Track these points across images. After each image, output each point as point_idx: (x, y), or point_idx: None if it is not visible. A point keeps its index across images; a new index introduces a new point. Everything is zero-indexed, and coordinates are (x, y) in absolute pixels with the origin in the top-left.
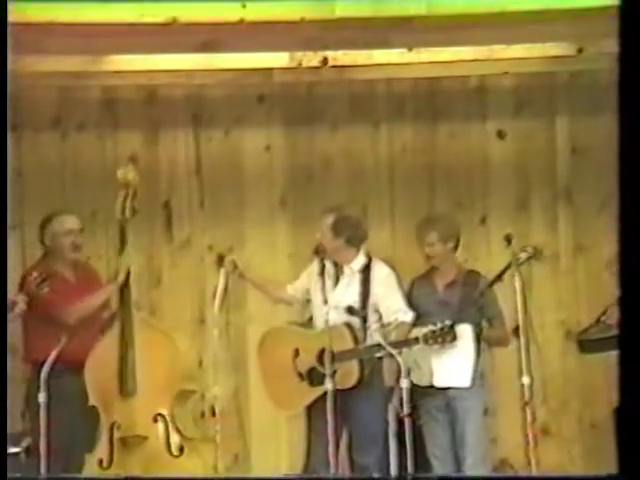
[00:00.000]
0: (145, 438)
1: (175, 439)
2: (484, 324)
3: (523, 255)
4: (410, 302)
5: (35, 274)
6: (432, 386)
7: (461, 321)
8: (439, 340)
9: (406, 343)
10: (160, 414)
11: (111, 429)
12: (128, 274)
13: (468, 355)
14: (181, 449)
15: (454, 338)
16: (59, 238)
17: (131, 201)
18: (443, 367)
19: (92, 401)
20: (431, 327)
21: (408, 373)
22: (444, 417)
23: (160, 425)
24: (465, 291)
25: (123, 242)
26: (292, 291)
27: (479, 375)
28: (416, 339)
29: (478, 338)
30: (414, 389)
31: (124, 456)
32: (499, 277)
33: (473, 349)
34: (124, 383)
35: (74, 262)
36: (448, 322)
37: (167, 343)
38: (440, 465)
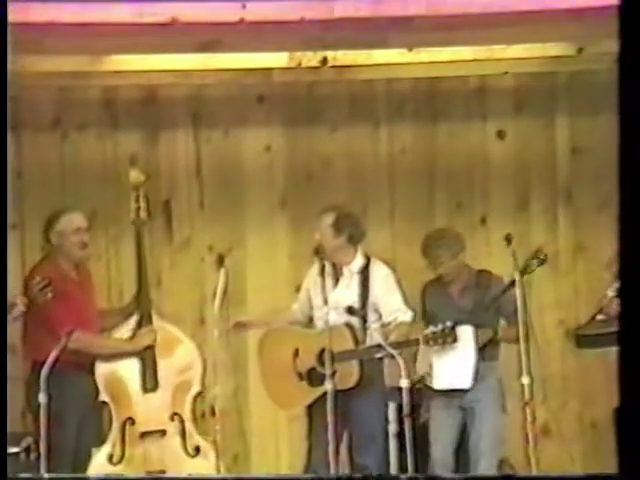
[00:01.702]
0: (164, 433)
1: (192, 438)
2: (502, 323)
3: (535, 262)
4: (424, 309)
5: (38, 278)
6: (447, 390)
7: (479, 325)
8: (439, 341)
9: (407, 344)
10: (176, 413)
11: (123, 425)
12: (146, 276)
13: (469, 356)
14: (197, 449)
15: (455, 339)
16: (67, 236)
17: (145, 202)
18: (445, 368)
19: (103, 397)
20: (432, 328)
21: (424, 378)
22: (454, 420)
23: (176, 424)
24: (479, 294)
25: (140, 244)
26: (297, 306)
27: (497, 378)
28: (417, 340)
29: (478, 339)
30: (425, 391)
31: (135, 452)
32: (512, 284)
33: (474, 350)
34: (144, 380)
35: (78, 260)
36: (449, 323)
37: (184, 344)
38: (443, 467)
